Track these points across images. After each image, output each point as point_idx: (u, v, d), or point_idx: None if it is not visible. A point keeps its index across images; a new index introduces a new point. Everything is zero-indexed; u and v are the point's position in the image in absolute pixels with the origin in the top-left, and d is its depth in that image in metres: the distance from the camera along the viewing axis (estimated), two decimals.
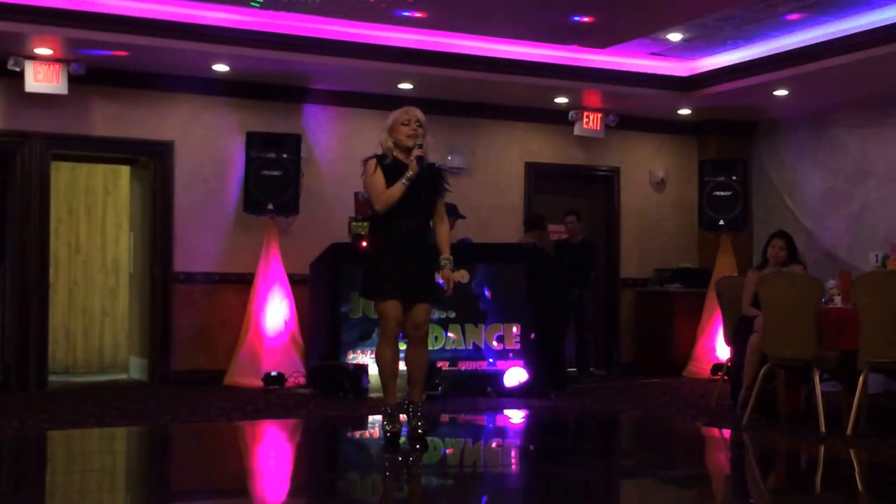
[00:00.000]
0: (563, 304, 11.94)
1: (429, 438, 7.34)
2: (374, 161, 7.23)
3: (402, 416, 7.30)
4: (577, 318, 12.50)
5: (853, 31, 10.66)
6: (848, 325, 8.12)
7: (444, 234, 7.35)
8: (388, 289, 7.14)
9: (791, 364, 8.46)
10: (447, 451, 7.44)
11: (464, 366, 10.69)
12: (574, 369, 12.47)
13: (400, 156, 7.22)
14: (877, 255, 9.61)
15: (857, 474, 7.15)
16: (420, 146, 7.16)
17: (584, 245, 12.70)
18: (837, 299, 8.75)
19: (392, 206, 7.11)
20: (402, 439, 7.23)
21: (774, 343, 8.38)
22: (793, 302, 8.29)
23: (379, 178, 7.15)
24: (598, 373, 12.86)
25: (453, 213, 11.50)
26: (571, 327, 12.45)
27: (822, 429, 7.98)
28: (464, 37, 11.33)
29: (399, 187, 7.09)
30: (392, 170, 7.16)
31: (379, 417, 7.63)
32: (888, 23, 10.31)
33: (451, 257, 7.32)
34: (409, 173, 7.09)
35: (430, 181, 7.26)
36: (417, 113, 7.29)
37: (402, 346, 7.33)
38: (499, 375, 10.63)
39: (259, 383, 11.02)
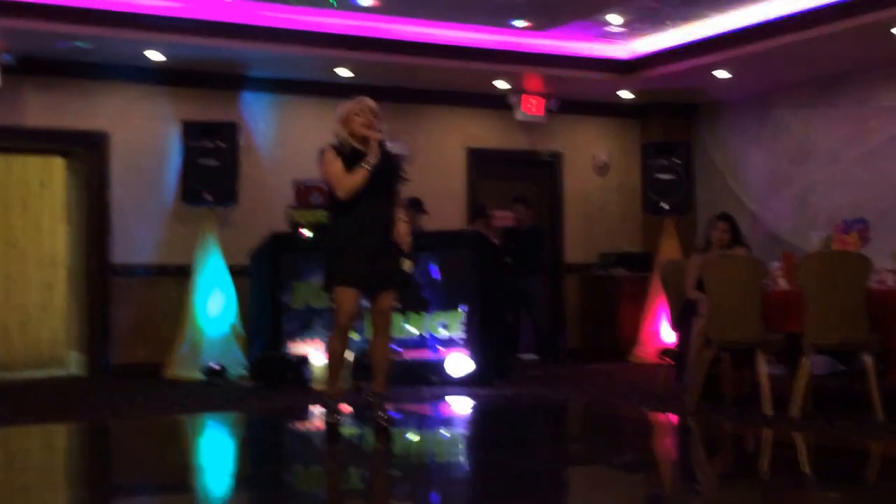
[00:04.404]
0: (510, 291, 11.90)
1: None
2: (332, 150, 7.17)
3: (343, 407, 7.25)
4: (528, 305, 12.46)
5: (794, 12, 10.63)
6: (792, 307, 8.13)
7: (400, 211, 7.29)
8: (345, 276, 7.08)
9: (736, 347, 8.45)
10: (392, 441, 7.35)
11: (408, 355, 10.57)
12: (534, 356, 12.49)
13: (356, 145, 7.15)
14: (820, 236, 9.61)
15: (803, 457, 7.18)
16: (379, 131, 7.12)
17: (532, 231, 12.66)
18: (782, 281, 8.74)
19: (354, 192, 7.05)
20: (349, 430, 7.17)
21: (719, 326, 8.35)
22: (736, 285, 8.28)
23: (339, 165, 7.10)
24: (536, 358, 12.77)
25: (418, 207, 11.53)
26: (524, 314, 12.43)
27: (768, 412, 7.98)
28: (402, 21, 11.22)
29: (361, 173, 7.03)
30: (350, 159, 7.10)
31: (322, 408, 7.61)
32: (829, 3, 10.30)
33: (404, 216, 7.28)
34: (371, 158, 7.04)
35: (389, 168, 7.22)
36: (371, 103, 7.23)
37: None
38: (443, 364, 10.54)
39: (200, 376, 10.89)
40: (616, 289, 13.25)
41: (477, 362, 10.55)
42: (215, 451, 7.81)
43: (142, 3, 10.35)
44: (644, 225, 14.00)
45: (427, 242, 10.72)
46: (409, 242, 7.22)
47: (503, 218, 12.74)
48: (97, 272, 11.54)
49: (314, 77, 12.06)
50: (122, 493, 6.25)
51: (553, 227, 13.79)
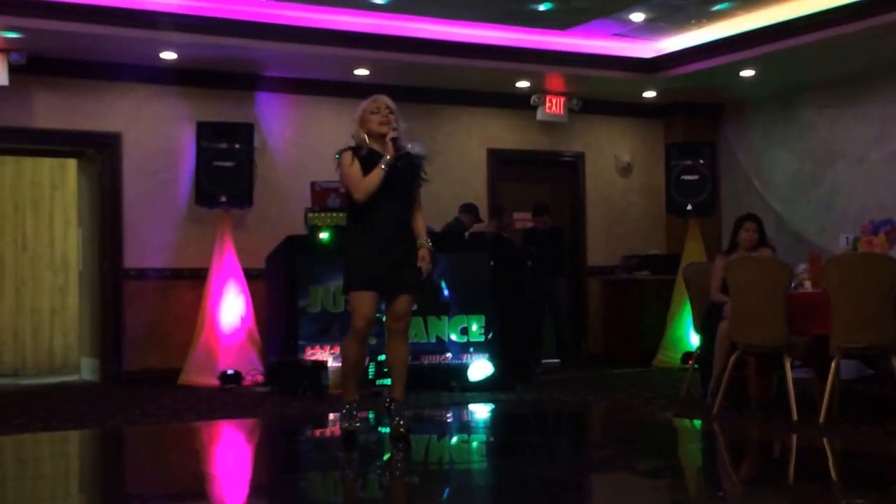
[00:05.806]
0: (534, 294, 11.75)
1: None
2: (349, 152, 7.05)
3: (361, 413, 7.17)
4: (552, 308, 12.28)
5: (819, 9, 10.51)
6: (818, 309, 7.96)
7: (422, 224, 7.16)
8: (362, 279, 6.95)
9: (761, 351, 8.30)
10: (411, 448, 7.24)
11: (427, 360, 10.45)
12: (555, 360, 12.30)
13: (375, 145, 7.03)
14: (847, 238, 9.54)
15: (830, 462, 7.04)
16: (395, 129, 7.00)
17: (552, 232, 12.51)
18: (807, 284, 8.62)
19: (372, 194, 6.93)
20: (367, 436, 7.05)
21: (743, 330, 8.21)
22: (761, 287, 8.12)
23: (356, 168, 6.97)
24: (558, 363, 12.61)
25: (474, 213, 11.51)
26: (547, 318, 12.30)
27: (794, 416, 7.85)
28: (421, 20, 11.11)
29: (378, 173, 6.91)
30: (368, 160, 6.98)
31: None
32: (855, 0, 10.17)
33: (430, 242, 7.14)
34: (387, 157, 6.92)
35: (408, 169, 7.09)
36: (386, 100, 7.10)
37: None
38: (463, 369, 10.40)
39: (215, 382, 10.81)
40: (639, 292, 13.14)
41: (497, 367, 10.41)
42: (230, 459, 7.71)
43: (154, 1, 10.23)
44: (668, 226, 13.90)
45: (447, 244, 10.62)
46: (429, 269, 7.09)
47: (522, 219, 12.59)
48: (110, 276, 11.44)
49: (332, 77, 11.95)
50: (135, 501, 6.19)
51: (575, 229, 13.67)
